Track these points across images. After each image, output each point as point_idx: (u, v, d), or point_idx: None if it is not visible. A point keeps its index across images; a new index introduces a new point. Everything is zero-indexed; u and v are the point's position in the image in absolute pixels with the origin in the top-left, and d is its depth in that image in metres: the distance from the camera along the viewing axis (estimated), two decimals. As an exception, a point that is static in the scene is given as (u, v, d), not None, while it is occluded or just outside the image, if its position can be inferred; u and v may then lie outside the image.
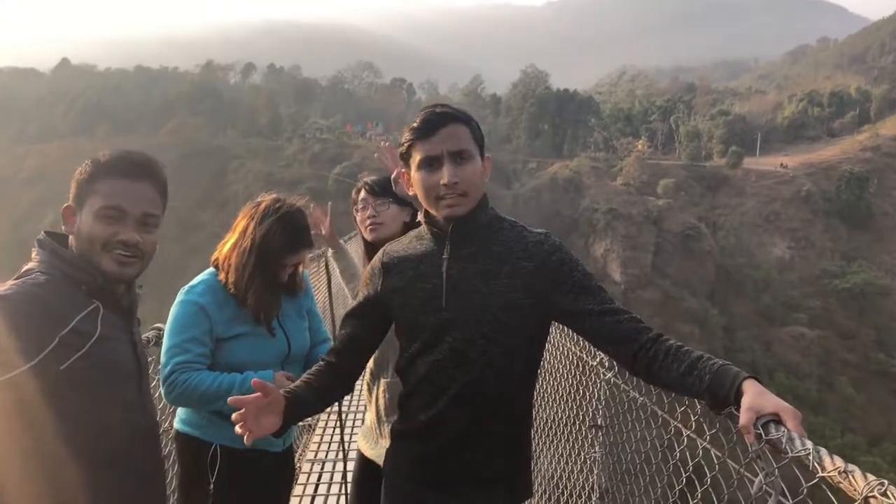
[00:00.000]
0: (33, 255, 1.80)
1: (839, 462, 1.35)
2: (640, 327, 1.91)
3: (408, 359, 2.04)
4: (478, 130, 2.03)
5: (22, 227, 75.86)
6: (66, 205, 1.85)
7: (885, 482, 1.25)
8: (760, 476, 1.56)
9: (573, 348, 3.51)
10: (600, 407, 2.93)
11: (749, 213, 75.44)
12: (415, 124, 1.99)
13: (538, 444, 4.36)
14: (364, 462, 2.89)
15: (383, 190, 3.02)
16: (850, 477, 1.30)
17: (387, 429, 2.77)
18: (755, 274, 68.79)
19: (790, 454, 1.44)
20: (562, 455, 3.67)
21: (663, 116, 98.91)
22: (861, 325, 64.55)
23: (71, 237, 1.83)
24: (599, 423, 2.91)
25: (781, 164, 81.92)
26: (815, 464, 1.39)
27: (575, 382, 3.51)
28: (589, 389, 3.13)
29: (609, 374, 2.85)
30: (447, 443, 1.99)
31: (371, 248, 3.02)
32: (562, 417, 3.63)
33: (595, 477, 3.01)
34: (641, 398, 2.42)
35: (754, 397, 1.60)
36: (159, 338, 2.74)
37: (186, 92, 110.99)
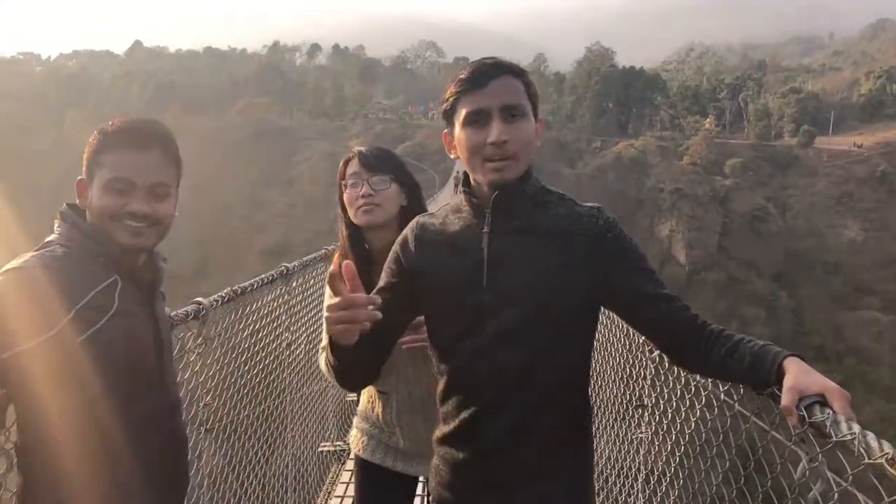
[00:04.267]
0: (55, 227, 1.79)
1: (888, 448, 1.26)
2: (693, 315, 1.77)
3: (443, 348, 1.84)
4: (532, 87, 1.81)
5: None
6: (78, 178, 1.83)
7: None
8: (804, 461, 1.45)
9: (621, 324, 3.43)
10: (646, 385, 2.84)
11: (820, 194, 72.92)
12: (462, 75, 1.77)
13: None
14: (362, 466, 2.67)
15: (381, 164, 2.50)
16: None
17: (364, 424, 2.65)
18: (825, 256, 66.60)
19: (834, 438, 1.34)
20: (609, 435, 3.59)
21: (732, 94, 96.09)
22: (938, 311, 62.01)
23: (87, 212, 1.81)
24: (645, 402, 2.82)
25: (855, 144, 78.87)
26: (861, 449, 1.29)
27: (622, 361, 3.42)
28: (636, 368, 3.04)
29: (656, 353, 2.75)
30: (496, 442, 1.76)
31: (357, 236, 2.54)
32: (609, 396, 3.55)
33: (641, 458, 2.93)
34: (686, 374, 2.32)
35: (797, 376, 1.49)
36: (198, 312, 2.75)
37: (254, 72, 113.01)
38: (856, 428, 1.33)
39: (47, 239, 1.75)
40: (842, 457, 1.34)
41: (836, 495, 1.37)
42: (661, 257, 65.56)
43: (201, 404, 2.90)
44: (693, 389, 2.27)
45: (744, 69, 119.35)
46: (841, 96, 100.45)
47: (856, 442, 1.30)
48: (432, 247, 1.85)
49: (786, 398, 1.47)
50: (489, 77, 1.73)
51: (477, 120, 1.73)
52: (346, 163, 2.56)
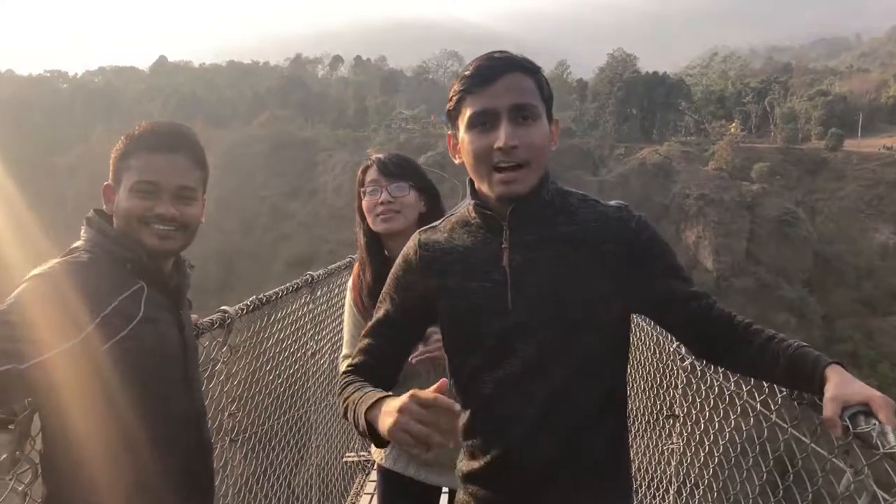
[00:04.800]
0: (82, 233, 1.78)
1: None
2: (722, 310, 1.66)
3: (466, 379, 1.66)
4: (546, 86, 1.62)
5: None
6: (105, 183, 1.82)
7: None
8: (848, 473, 1.38)
9: (650, 332, 3.36)
10: (678, 395, 2.77)
11: (850, 198, 71.87)
12: (466, 72, 1.58)
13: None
14: (385, 476, 2.63)
15: (400, 170, 2.49)
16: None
17: None
18: (856, 261, 65.57)
19: (882, 450, 1.31)
20: (639, 445, 3.52)
21: (757, 98, 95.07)
22: (974, 315, 60.84)
23: (114, 216, 1.80)
24: (677, 412, 2.75)
25: (885, 146, 77.65)
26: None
27: (652, 370, 3.35)
28: (666, 378, 2.97)
29: (687, 361, 2.68)
30: (531, 476, 1.60)
31: (375, 243, 2.53)
32: (639, 406, 3.47)
33: (672, 469, 2.85)
34: (720, 382, 2.25)
35: (840, 386, 1.42)
36: (223, 321, 2.73)
37: (277, 85, 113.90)
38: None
39: (73, 245, 1.74)
40: (890, 470, 1.29)
41: None
42: (688, 264, 64.91)
43: (226, 414, 2.88)
44: (728, 399, 2.19)
45: (769, 72, 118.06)
46: (869, 98, 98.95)
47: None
48: (441, 266, 1.67)
49: (828, 409, 1.41)
50: (497, 74, 1.55)
51: (483, 122, 1.55)
52: (365, 170, 2.56)
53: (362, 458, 5.70)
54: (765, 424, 1.91)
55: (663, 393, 3.05)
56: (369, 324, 1.79)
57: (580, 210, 1.66)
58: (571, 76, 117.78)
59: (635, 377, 3.56)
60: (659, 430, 3.14)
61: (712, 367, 2.35)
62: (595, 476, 1.63)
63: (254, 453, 3.44)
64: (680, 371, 2.78)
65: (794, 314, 59.24)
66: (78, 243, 1.76)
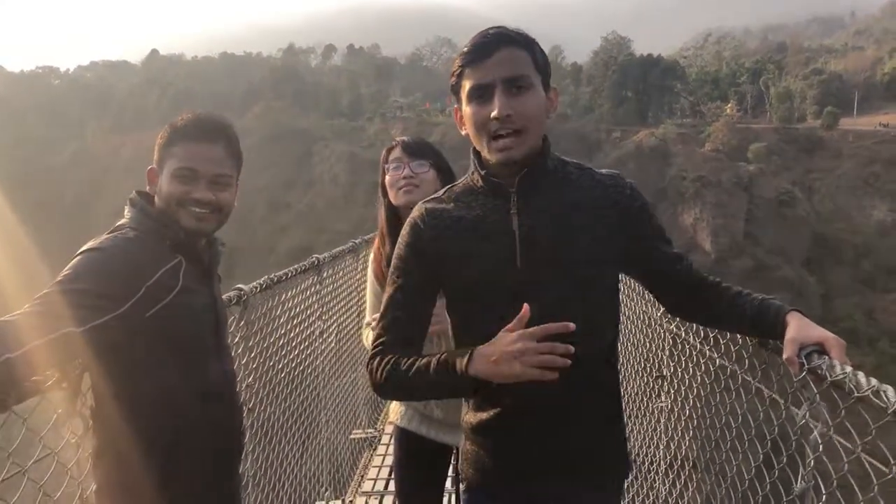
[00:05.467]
0: (125, 212, 1.97)
1: (874, 382, 1.37)
2: (698, 271, 1.91)
3: (475, 337, 1.69)
4: (542, 57, 1.74)
5: (123, 213, 79.70)
6: (150, 167, 2.02)
7: None
8: (804, 406, 1.59)
9: (638, 301, 3.56)
10: (664, 357, 2.97)
11: (847, 176, 71.90)
12: (465, 49, 1.71)
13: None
14: (402, 435, 2.82)
15: (421, 150, 2.75)
16: (883, 394, 1.34)
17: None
18: (854, 239, 65.73)
19: (829, 379, 1.47)
20: (633, 406, 3.73)
21: (752, 78, 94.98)
22: (972, 290, 61.10)
23: (156, 197, 1.99)
24: (665, 373, 2.95)
25: (881, 124, 77.68)
26: (852, 385, 1.41)
27: (639, 334, 3.58)
28: (654, 341, 3.17)
29: (673, 325, 2.88)
30: (541, 425, 1.74)
31: (395, 217, 2.72)
32: (636, 368, 3.68)
33: (662, 427, 3.05)
34: (700, 345, 2.45)
35: (798, 329, 1.62)
36: (240, 297, 2.93)
37: (270, 76, 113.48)
38: (848, 369, 1.45)
39: (118, 223, 1.93)
40: (837, 398, 1.46)
41: (832, 430, 1.52)
42: (686, 246, 65.11)
43: (244, 385, 3.08)
44: (707, 355, 2.40)
45: (764, 52, 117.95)
46: (865, 76, 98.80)
47: (847, 380, 1.41)
48: (452, 233, 1.77)
49: (788, 349, 1.61)
50: (491, 49, 1.67)
51: (481, 94, 1.68)
52: (390, 150, 2.81)
53: (369, 435, 5.90)
54: (722, 377, 2.12)
55: (652, 356, 3.24)
56: (386, 299, 1.84)
57: (580, 178, 1.81)
58: (566, 61, 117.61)
59: (633, 340, 3.76)
60: (649, 392, 3.34)
61: (687, 328, 2.59)
62: (601, 421, 1.81)
63: (269, 423, 3.61)
64: (666, 333, 2.98)
65: (794, 293, 59.30)
66: (122, 221, 1.95)
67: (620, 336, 4.18)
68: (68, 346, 1.60)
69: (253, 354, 3.22)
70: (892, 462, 1.35)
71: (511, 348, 1.52)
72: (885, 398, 1.33)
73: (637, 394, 3.61)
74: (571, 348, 1.50)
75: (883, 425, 1.33)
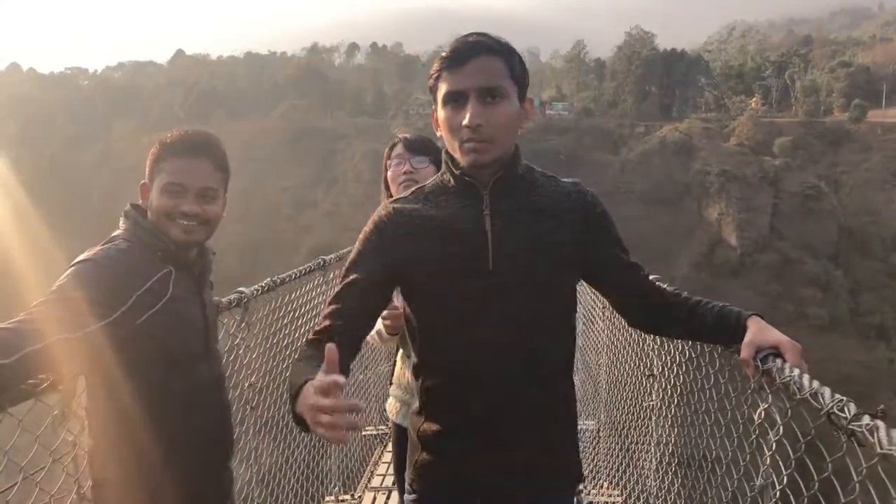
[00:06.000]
0: (120, 224, 2.08)
1: (815, 384, 1.44)
2: (654, 282, 1.96)
3: (441, 338, 1.74)
4: (519, 66, 1.74)
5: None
6: (142, 182, 2.13)
7: (844, 399, 1.35)
8: (762, 406, 1.67)
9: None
10: (654, 356, 3.03)
11: (875, 169, 70.81)
12: (444, 53, 1.72)
13: (609, 396, 4.49)
14: (398, 430, 2.89)
15: (422, 147, 2.85)
16: (820, 396, 1.40)
17: (397, 390, 2.87)
18: (882, 233, 64.79)
19: (778, 381, 1.54)
20: (627, 407, 3.80)
21: (778, 72, 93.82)
22: None
23: (148, 210, 2.10)
24: (655, 372, 3.01)
25: (910, 116, 76.46)
26: (795, 388, 1.48)
27: (628, 337, 3.67)
28: (645, 341, 3.23)
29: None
30: (507, 432, 1.74)
31: None
32: (626, 368, 3.75)
33: (653, 424, 3.12)
34: (682, 344, 2.52)
35: (756, 333, 1.68)
36: (240, 300, 3.02)
37: (294, 75, 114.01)
38: (796, 372, 1.52)
39: (113, 234, 2.04)
40: (784, 398, 1.54)
41: (780, 429, 1.60)
42: (710, 241, 64.63)
43: (247, 384, 3.18)
44: (687, 355, 2.47)
45: (789, 45, 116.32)
46: (893, 67, 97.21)
47: (791, 382, 1.49)
48: (419, 232, 1.76)
49: (744, 352, 1.68)
50: (468, 57, 1.68)
51: (456, 100, 1.69)
52: (392, 147, 2.92)
53: (380, 432, 6.00)
54: (699, 376, 2.19)
55: (644, 357, 3.31)
56: (336, 289, 1.80)
57: (545, 184, 1.83)
58: (589, 56, 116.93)
59: (623, 343, 3.82)
60: (641, 390, 3.41)
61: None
62: (560, 426, 1.84)
63: (278, 428, 3.70)
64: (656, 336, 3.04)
65: (820, 288, 58.75)
66: (117, 232, 2.05)
67: (613, 339, 4.28)
68: (62, 351, 1.70)
69: (255, 355, 3.31)
70: (828, 459, 1.42)
71: (307, 402, 1.32)
72: (821, 400, 1.39)
73: (631, 392, 3.67)
74: (356, 424, 1.32)
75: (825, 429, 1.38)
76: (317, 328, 1.74)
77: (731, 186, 65.73)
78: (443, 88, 1.71)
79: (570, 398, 1.88)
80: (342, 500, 4.95)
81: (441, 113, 1.73)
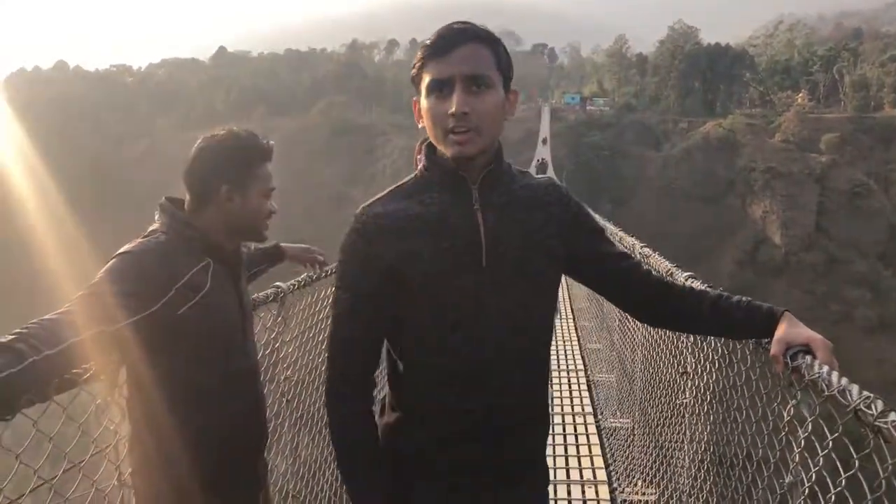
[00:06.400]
0: (157, 217, 2.12)
1: (844, 381, 1.43)
2: (650, 270, 1.92)
3: (434, 337, 1.67)
4: (505, 56, 1.68)
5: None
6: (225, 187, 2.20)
7: (872, 395, 1.34)
8: (791, 403, 1.66)
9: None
10: (687, 354, 3.01)
11: (928, 167, 69.18)
12: (428, 42, 1.65)
13: (643, 393, 4.47)
14: None
15: None
16: (847, 393, 1.39)
17: None
18: (934, 232, 63.27)
19: (807, 378, 1.53)
20: (660, 407, 3.78)
21: (826, 67, 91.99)
22: None
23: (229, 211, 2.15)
24: (688, 370, 2.99)
25: (964, 111, 74.39)
26: (823, 385, 1.46)
27: (662, 334, 3.67)
28: (679, 339, 3.21)
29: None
30: (506, 426, 1.72)
31: None
32: (660, 365, 3.73)
33: (686, 422, 3.10)
34: (716, 342, 2.51)
35: (786, 330, 1.66)
36: (277, 295, 3.08)
37: (333, 72, 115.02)
38: (825, 369, 1.50)
39: (151, 227, 2.08)
40: (814, 394, 1.52)
41: (809, 426, 1.59)
42: (755, 239, 63.70)
43: (283, 377, 3.23)
44: (720, 352, 2.45)
45: (838, 39, 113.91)
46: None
47: (820, 379, 1.48)
48: (407, 232, 1.66)
49: (774, 348, 1.66)
50: (454, 44, 1.61)
51: (441, 89, 1.61)
52: (422, 143, 2.87)
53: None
54: (731, 373, 2.17)
55: (678, 354, 3.29)
56: (338, 317, 1.74)
57: (524, 179, 1.79)
58: (631, 51, 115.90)
59: (659, 342, 3.80)
60: (674, 387, 3.40)
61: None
62: (540, 423, 1.84)
63: (309, 414, 3.75)
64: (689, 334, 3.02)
65: (869, 289, 57.58)
66: (154, 226, 2.10)
67: (645, 332, 4.26)
68: (103, 342, 1.76)
69: (290, 349, 3.36)
70: (855, 457, 1.40)
71: None
72: (848, 397, 1.38)
73: (665, 390, 3.66)
74: None
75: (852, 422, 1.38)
76: (338, 371, 1.73)
77: (775, 183, 64.72)
78: (427, 77, 1.63)
79: (544, 394, 1.86)
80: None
81: (424, 102, 1.65)
